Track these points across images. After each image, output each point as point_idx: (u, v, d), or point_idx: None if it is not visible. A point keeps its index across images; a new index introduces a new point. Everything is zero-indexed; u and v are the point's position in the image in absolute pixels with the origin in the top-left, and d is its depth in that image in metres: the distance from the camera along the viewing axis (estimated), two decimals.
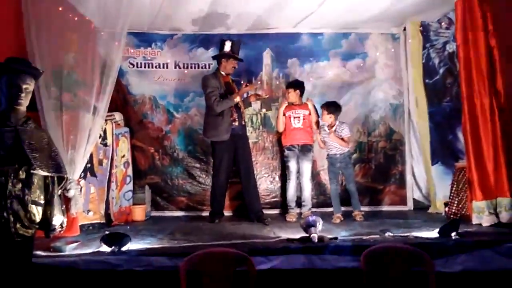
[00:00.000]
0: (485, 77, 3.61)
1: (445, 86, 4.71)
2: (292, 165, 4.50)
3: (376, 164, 5.14)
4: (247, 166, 4.39)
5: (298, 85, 4.60)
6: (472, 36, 3.67)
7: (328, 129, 4.33)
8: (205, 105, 4.41)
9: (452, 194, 4.05)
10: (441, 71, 4.76)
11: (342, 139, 4.29)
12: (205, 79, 4.38)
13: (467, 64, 3.69)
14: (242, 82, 4.70)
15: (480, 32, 3.64)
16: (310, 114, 4.53)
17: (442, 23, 4.73)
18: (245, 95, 4.62)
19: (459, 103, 3.81)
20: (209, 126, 4.35)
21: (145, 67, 5.09)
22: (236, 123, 4.34)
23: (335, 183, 4.38)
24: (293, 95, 4.53)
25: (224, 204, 4.54)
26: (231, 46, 4.37)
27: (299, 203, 4.54)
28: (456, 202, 3.98)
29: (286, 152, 4.55)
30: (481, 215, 3.54)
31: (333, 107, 4.36)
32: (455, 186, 4.05)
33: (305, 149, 4.49)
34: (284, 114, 4.55)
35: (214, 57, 4.57)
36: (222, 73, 4.42)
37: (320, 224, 3.11)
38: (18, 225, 2.23)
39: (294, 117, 4.51)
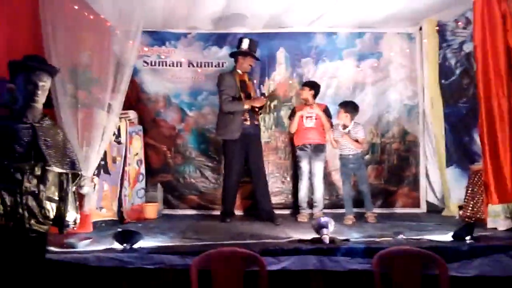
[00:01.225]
0: (503, 78, 3.52)
1: (461, 87, 4.62)
2: (304, 165, 4.47)
3: (390, 165, 5.08)
4: (258, 166, 4.38)
5: (314, 85, 4.57)
6: (490, 36, 3.58)
7: (342, 129, 4.29)
8: (218, 103, 4.42)
9: (467, 197, 3.99)
10: (457, 71, 4.67)
11: (357, 140, 4.24)
12: (221, 77, 4.38)
13: (485, 65, 3.60)
14: (255, 81, 4.68)
15: (499, 32, 3.54)
16: (325, 113, 4.50)
17: (459, 23, 4.64)
18: (258, 93, 4.60)
19: (476, 104, 3.72)
20: (221, 124, 4.35)
21: (159, 65, 5.12)
22: (248, 123, 4.31)
23: (348, 184, 4.33)
24: (307, 94, 4.49)
25: (235, 204, 4.55)
26: (249, 44, 4.35)
27: (310, 204, 4.51)
28: (471, 205, 3.92)
29: (298, 152, 4.53)
30: (496, 219, 3.47)
31: (351, 107, 4.30)
32: (470, 189, 3.98)
33: (318, 149, 4.46)
34: (296, 113, 4.52)
35: (231, 55, 4.55)
36: (239, 71, 4.40)
37: (331, 226, 3.08)
38: (32, 221, 2.26)
39: (307, 117, 4.48)
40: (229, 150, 4.33)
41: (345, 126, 4.29)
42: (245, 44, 4.36)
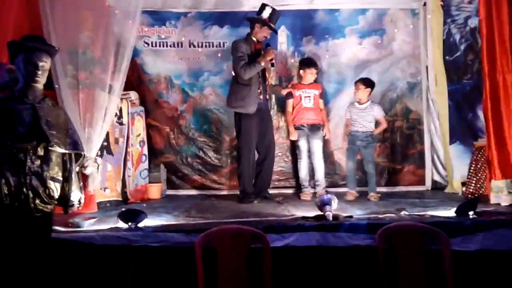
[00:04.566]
0: (509, 53, 3.48)
1: (466, 63, 4.57)
2: (302, 144, 4.46)
3: (394, 143, 5.05)
4: (270, 142, 4.29)
5: (316, 65, 4.51)
6: (496, 10, 3.52)
7: (359, 104, 4.27)
8: (233, 72, 4.19)
9: (470, 174, 3.98)
10: (462, 47, 4.61)
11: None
12: (236, 42, 4.10)
13: (490, 40, 3.55)
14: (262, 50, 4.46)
15: (504, 6, 3.49)
16: (320, 94, 4.46)
17: None
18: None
19: (480, 80, 3.70)
20: (236, 95, 4.05)
21: (160, 46, 5.07)
22: (261, 96, 4.15)
23: (352, 160, 4.32)
24: (312, 76, 4.44)
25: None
26: (270, 14, 4.09)
27: (313, 183, 4.52)
28: (474, 181, 3.92)
29: (296, 131, 4.51)
30: (499, 194, 3.49)
31: (370, 83, 4.31)
32: (473, 165, 3.98)
33: (315, 128, 4.45)
34: (293, 94, 4.48)
35: (248, 19, 4.29)
36: (254, 39, 4.18)
37: (335, 202, 3.10)
38: (37, 201, 2.27)
39: (305, 97, 4.45)
40: (245, 125, 4.06)
41: (360, 103, 4.27)
42: (266, 13, 4.06)
